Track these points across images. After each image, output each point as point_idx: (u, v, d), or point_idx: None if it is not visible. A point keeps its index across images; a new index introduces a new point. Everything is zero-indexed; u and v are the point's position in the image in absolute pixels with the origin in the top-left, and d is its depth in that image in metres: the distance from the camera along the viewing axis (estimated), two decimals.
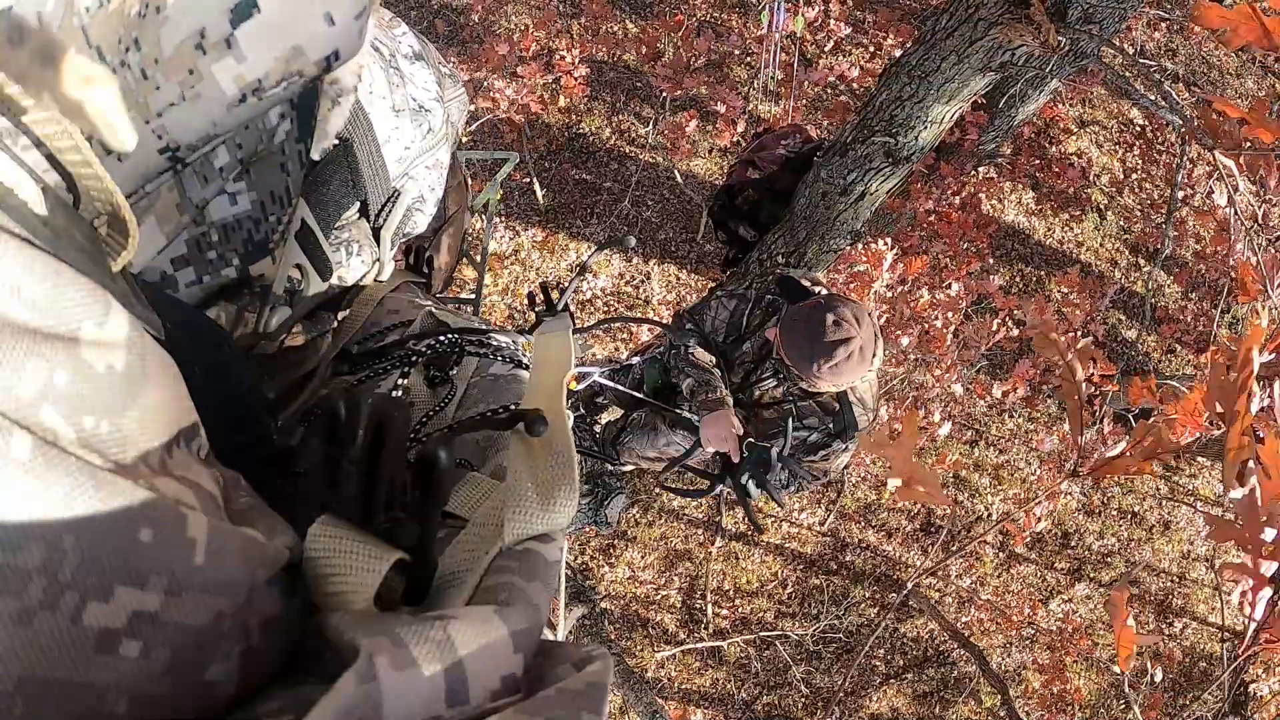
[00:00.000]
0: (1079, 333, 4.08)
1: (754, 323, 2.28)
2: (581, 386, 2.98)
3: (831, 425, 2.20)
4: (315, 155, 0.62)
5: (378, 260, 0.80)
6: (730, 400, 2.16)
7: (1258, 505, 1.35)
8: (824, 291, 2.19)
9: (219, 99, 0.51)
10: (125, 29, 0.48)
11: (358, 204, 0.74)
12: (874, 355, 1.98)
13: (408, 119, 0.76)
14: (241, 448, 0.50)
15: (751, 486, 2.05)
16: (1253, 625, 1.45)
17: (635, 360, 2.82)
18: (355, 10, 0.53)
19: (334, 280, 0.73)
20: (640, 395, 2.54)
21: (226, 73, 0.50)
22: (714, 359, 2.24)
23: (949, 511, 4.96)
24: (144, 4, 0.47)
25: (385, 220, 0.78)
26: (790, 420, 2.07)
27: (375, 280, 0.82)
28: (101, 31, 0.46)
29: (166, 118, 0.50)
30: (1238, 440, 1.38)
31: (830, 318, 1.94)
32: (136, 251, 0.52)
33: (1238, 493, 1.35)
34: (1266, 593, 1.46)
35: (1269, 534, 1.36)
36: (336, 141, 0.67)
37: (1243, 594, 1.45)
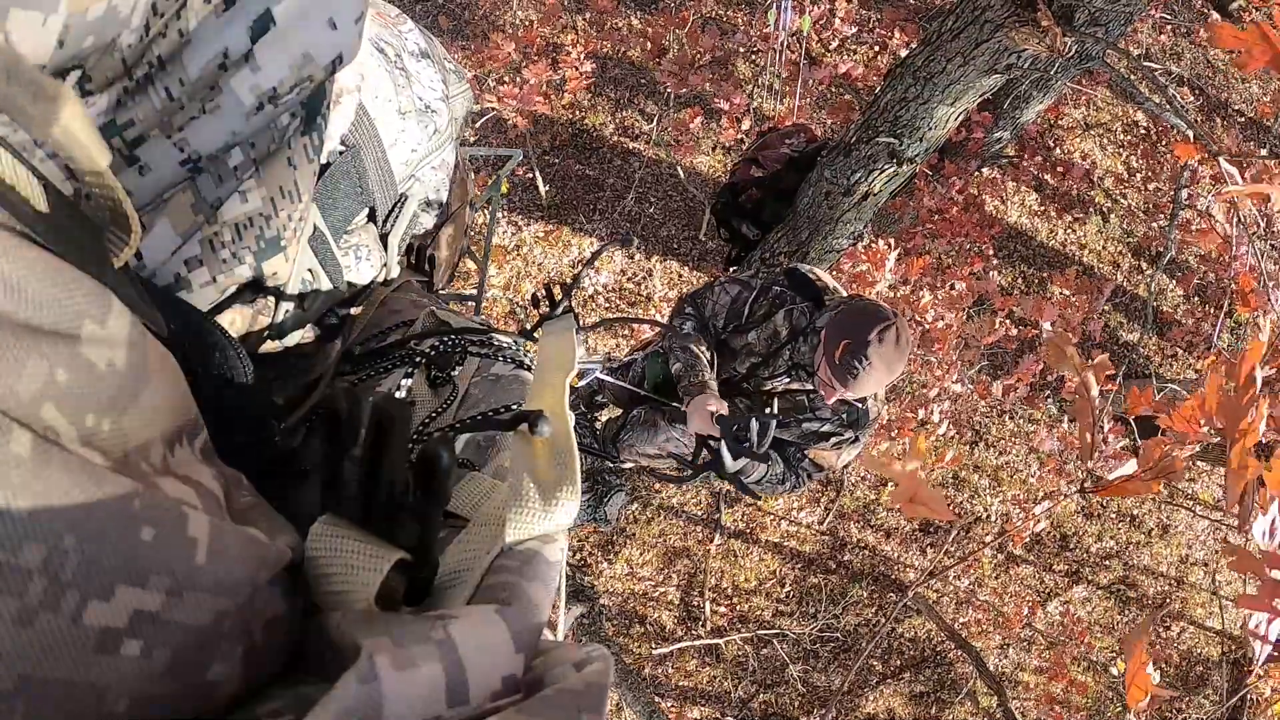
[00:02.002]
0: (1078, 330, 4.08)
1: (759, 312, 2.25)
2: (583, 384, 2.99)
3: (845, 415, 2.20)
4: (321, 158, 0.62)
5: (385, 265, 0.80)
6: (714, 384, 2.14)
7: (1276, 534, 1.31)
8: (841, 293, 2.19)
9: (237, 109, 0.53)
10: (152, 51, 0.49)
11: (366, 210, 0.74)
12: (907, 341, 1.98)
13: (414, 120, 0.76)
14: (244, 448, 0.50)
15: (728, 459, 2.03)
16: (1265, 651, 1.42)
17: (637, 355, 2.82)
18: (354, 15, 0.55)
19: (343, 285, 0.74)
20: (641, 391, 2.54)
21: (244, 84, 0.52)
22: (707, 344, 2.23)
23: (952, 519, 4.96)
24: (166, 26, 0.48)
25: (393, 226, 0.79)
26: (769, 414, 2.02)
27: (383, 284, 0.83)
28: (135, 58, 0.47)
29: (188, 131, 0.52)
30: (1240, 459, 1.35)
31: (871, 336, 1.92)
32: (150, 252, 0.53)
33: (1263, 523, 1.31)
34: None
35: None
36: (342, 148, 0.67)
37: (1254, 628, 1.42)
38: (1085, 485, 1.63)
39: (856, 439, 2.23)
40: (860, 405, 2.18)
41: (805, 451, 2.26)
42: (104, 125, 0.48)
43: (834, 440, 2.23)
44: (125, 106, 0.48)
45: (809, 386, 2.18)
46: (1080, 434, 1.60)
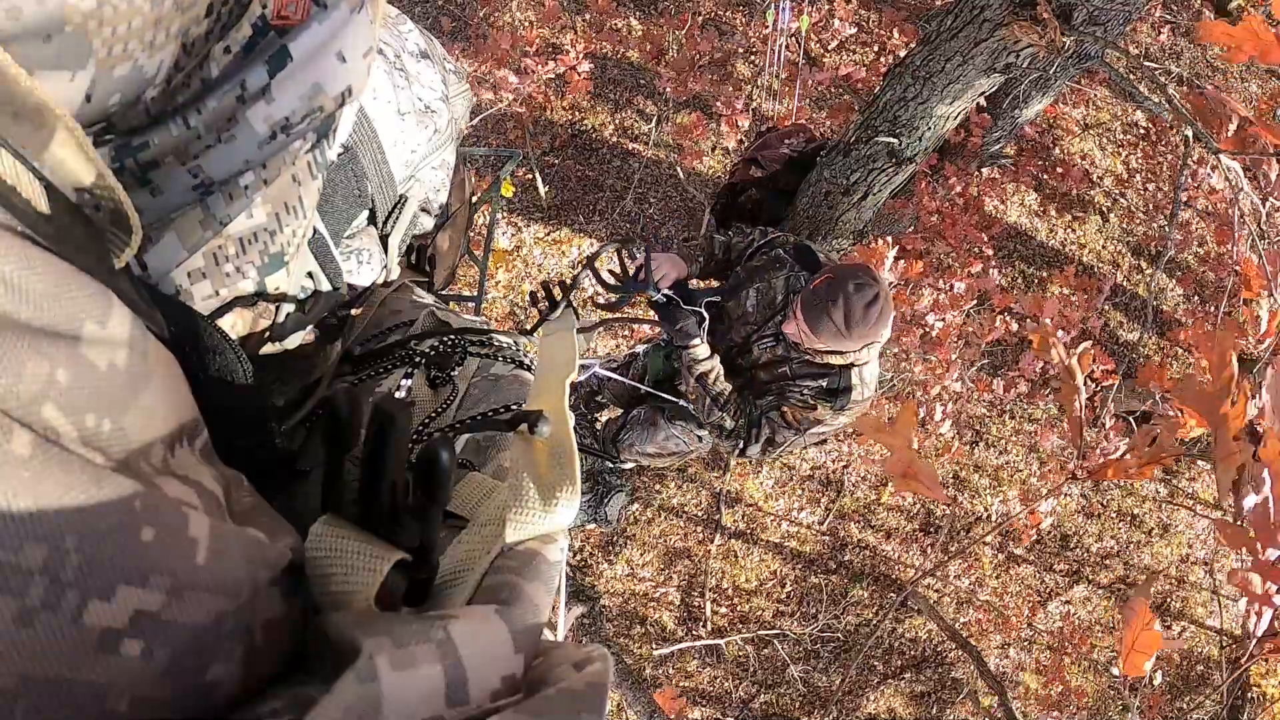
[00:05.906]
0: (1078, 331, 4.08)
1: (754, 264, 2.30)
2: (583, 379, 2.99)
3: (825, 384, 2.19)
4: (325, 173, 0.63)
5: (385, 267, 0.80)
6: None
7: (1271, 513, 1.31)
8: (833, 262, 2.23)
9: (251, 138, 0.54)
10: (175, 100, 0.50)
11: (365, 212, 0.75)
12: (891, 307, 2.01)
13: (414, 121, 0.76)
14: (244, 449, 0.50)
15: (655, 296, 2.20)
16: (1254, 640, 1.44)
17: (638, 350, 2.83)
18: (363, 49, 0.57)
19: (343, 287, 0.74)
20: (642, 388, 2.54)
21: (258, 115, 0.53)
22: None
23: (948, 511, 4.96)
24: (189, 77, 0.50)
25: (393, 227, 0.79)
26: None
27: (383, 284, 0.83)
28: (159, 109, 0.49)
29: (203, 159, 0.53)
30: (1228, 446, 1.36)
31: (851, 284, 1.96)
32: (154, 263, 0.53)
33: (1251, 499, 1.31)
34: (1270, 610, 1.44)
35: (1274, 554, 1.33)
36: (341, 149, 0.67)
37: (1249, 606, 1.42)
38: (1076, 472, 1.64)
39: (843, 408, 2.20)
40: (841, 375, 2.16)
41: (783, 408, 2.22)
42: (119, 146, 0.48)
43: (812, 399, 2.22)
44: (141, 133, 0.49)
45: (793, 355, 2.19)
46: (1068, 421, 1.60)
